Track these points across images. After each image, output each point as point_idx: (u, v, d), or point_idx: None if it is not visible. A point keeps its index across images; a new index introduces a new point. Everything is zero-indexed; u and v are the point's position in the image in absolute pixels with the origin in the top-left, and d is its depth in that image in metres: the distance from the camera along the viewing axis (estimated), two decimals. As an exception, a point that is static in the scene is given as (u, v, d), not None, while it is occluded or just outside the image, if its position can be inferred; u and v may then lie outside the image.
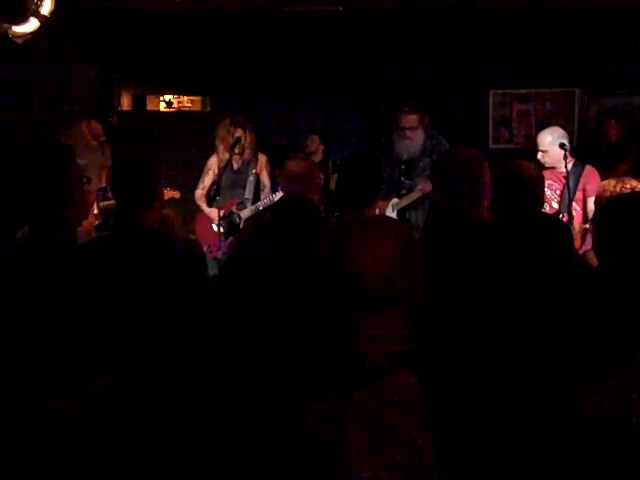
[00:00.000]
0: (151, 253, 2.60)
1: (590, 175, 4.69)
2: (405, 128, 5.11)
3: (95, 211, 5.07)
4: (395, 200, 5.05)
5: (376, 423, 1.41)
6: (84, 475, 1.22)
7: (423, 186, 4.92)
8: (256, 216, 5.13)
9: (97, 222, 5.14)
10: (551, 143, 4.67)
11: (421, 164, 5.17)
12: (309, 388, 1.55)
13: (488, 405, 2.07)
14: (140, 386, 2.39)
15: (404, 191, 5.11)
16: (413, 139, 5.13)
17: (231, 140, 5.06)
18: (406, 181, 5.14)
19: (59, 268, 1.30)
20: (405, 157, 5.15)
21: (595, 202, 3.17)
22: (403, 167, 5.16)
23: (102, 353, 1.36)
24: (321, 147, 6.98)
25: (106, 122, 5.75)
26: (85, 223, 2.79)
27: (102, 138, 5.77)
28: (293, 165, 3.89)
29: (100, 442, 1.29)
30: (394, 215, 4.96)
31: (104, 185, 5.28)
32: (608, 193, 2.89)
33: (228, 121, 5.13)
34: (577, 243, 4.43)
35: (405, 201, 5.08)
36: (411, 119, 5.11)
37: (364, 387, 1.46)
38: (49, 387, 1.28)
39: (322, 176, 4.09)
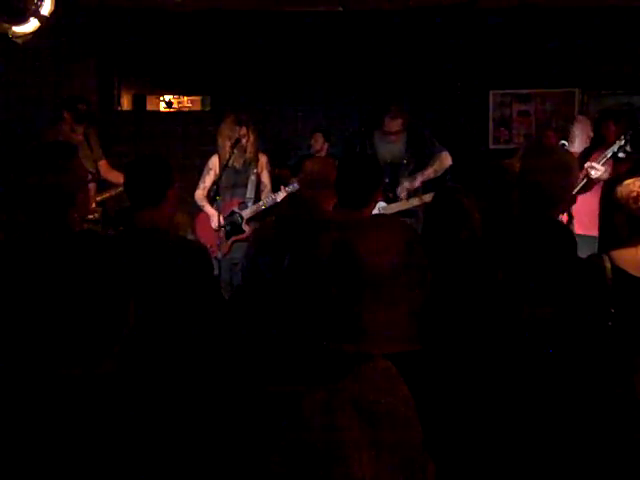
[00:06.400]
0: (156, 252, 2.60)
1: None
2: (390, 133, 5.11)
3: (93, 205, 5.00)
4: (382, 204, 4.96)
5: (363, 408, 1.45)
6: (97, 445, 1.25)
7: (421, 197, 4.87)
8: (258, 216, 5.11)
9: (96, 215, 5.11)
10: (577, 136, 4.64)
11: (410, 166, 5.16)
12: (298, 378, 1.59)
13: (496, 407, 2.06)
14: (144, 379, 2.40)
15: (390, 195, 5.08)
16: (396, 143, 5.14)
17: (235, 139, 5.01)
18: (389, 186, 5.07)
19: (64, 262, 1.31)
20: (389, 160, 5.12)
21: (618, 203, 3.05)
22: (388, 169, 5.13)
23: (106, 340, 1.38)
24: (325, 146, 6.94)
25: (75, 109, 5.40)
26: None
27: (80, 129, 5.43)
28: (310, 165, 3.80)
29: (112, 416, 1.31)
30: None
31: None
32: (635, 194, 2.78)
33: (232, 119, 5.08)
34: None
35: (397, 207, 5.03)
36: (397, 124, 5.11)
37: (345, 376, 1.50)
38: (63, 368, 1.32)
39: None
